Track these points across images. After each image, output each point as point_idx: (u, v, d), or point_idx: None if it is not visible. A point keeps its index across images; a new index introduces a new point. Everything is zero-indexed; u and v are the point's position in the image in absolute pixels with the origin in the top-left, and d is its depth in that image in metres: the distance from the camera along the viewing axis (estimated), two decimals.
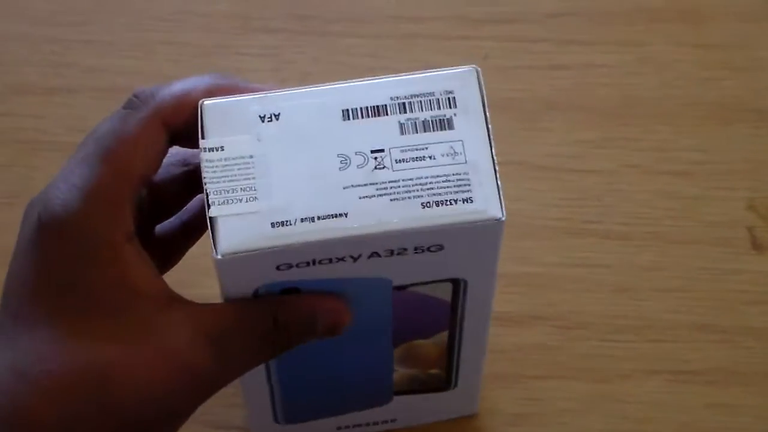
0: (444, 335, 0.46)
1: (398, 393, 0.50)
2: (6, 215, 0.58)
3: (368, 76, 0.40)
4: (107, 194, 0.38)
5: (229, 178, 0.38)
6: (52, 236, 0.39)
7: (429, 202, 0.38)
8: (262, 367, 0.45)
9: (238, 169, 0.38)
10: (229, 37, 0.63)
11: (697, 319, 0.55)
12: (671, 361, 0.54)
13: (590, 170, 0.59)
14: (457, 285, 0.43)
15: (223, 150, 0.39)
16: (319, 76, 0.62)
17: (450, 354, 0.47)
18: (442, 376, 0.49)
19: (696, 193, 0.59)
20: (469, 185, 0.39)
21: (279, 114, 0.39)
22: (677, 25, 0.63)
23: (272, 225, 0.38)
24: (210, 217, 0.38)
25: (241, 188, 0.38)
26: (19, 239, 0.40)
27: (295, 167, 0.39)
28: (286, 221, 0.38)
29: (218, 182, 0.38)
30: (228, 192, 0.38)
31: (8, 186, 0.59)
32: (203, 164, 0.39)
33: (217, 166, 0.38)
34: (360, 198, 0.38)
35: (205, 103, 0.39)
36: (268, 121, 0.39)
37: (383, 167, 0.39)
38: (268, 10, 0.64)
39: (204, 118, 0.39)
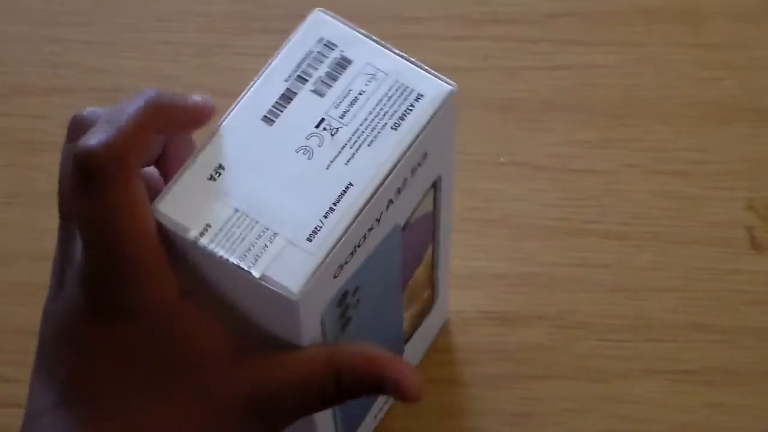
0: (429, 250, 0.47)
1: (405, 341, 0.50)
2: (5, 215, 0.59)
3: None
4: (143, 264, 0.38)
5: (240, 239, 0.38)
6: (103, 317, 0.38)
7: (395, 123, 0.39)
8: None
9: (238, 228, 0.38)
10: (229, 37, 0.63)
11: (695, 319, 0.55)
12: (670, 361, 0.55)
13: (590, 170, 0.59)
14: (436, 186, 0.43)
15: (210, 226, 0.38)
16: None
17: (433, 265, 0.48)
18: (431, 294, 0.50)
19: (695, 193, 0.59)
20: (408, 87, 0.40)
21: (220, 164, 0.39)
22: (676, 25, 0.63)
23: (308, 239, 0.38)
24: (260, 279, 0.37)
25: (256, 238, 0.38)
26: (59, 326, 0.39)
27: (277, 188, 0.38)
28: (316, 227, 0.38)
29: (235, 250, 0.37)
30: (250, 249, 0.38)
31: (8, 186, 0.59)
32: (210, 249, 0.38)
33: (220, 241, 0.38)
34: (345, 164, 0.39)
35: (158, 208, 0.38)
36: (218, 176, 0.39)
37: (337, 129, 0.39)
38: (268, 10, 0.64)
39: (171, 219, 0.38)
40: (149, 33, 0.63)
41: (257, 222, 0.38)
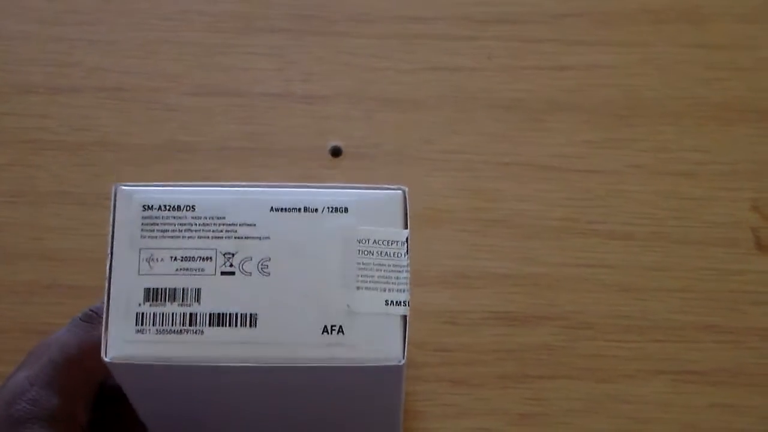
0: None
1: None
2: (9, 213, 0.58)
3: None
4: (72, 391, 0.43)
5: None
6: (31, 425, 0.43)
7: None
8: None
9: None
10: (233, 37, 0.63)
11: (701, 320, 0.55)
12: (675, 361, 0.54)
13: (594, 170, 0.59)
14: None
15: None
16: (323, 76, 0.62)
17: None
18: None
19: (700, 193, 0.59)
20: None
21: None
22: (680, 25, 0.63)
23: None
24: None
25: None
26: None
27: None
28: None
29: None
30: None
31: (11, 185, 0.59)
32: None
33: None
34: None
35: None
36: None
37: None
38: (272, 9, 0.64)
39: None
40: (153, 32, 0.63)
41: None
